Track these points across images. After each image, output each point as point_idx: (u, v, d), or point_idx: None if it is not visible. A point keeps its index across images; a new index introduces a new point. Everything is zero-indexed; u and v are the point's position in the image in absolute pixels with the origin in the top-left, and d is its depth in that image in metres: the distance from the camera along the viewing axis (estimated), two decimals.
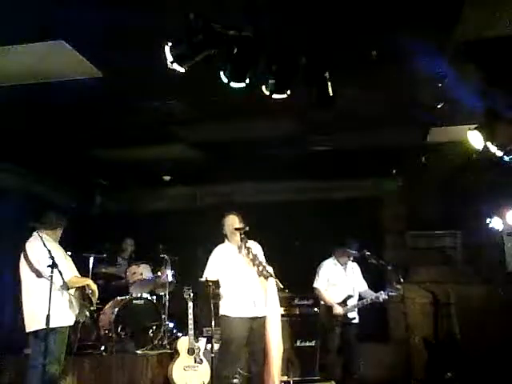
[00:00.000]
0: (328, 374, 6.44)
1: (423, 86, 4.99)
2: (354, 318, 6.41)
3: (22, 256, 4.88)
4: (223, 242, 5.46)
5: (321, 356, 6.66)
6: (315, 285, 6.57)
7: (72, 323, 4.91)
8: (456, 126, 5.91)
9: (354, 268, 6.61)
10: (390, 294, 6.33)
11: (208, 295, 5.12)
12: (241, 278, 5.20)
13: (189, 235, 8.00)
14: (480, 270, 7.87)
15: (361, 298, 6.51)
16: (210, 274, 5.27)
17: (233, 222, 5.34)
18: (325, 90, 4.38)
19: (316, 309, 6.71)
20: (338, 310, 6.35)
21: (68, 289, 4.73)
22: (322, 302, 6.60)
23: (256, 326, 5.13)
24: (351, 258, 6.54)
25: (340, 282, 6.52)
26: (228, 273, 5.21)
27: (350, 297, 6.43)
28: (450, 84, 4.71)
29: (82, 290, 4.89)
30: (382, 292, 6.32)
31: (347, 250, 6.46)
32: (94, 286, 4.99)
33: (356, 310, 6.45)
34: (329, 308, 6.44)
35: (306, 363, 6.77)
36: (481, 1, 3.88)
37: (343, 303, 6.41)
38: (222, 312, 5.22)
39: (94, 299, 4.98)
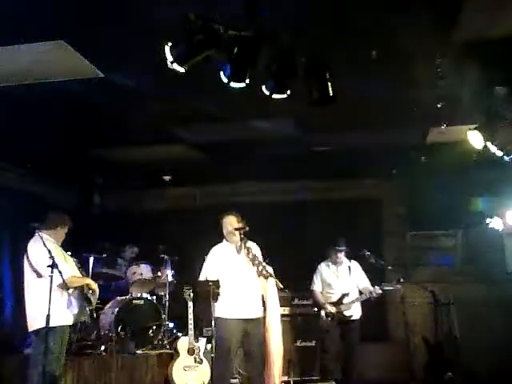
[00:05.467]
0: (327, 374, 6.46)
1: (423, 86, 4.99)
2: (351, 316, 6.43)
3: (25, 256, 4.89)
4: (221, 241, 5.42)
5: (321, 356, 6.68)
6: (312, 287, 6.74)
7: (71, 323, 4.91)
8: (456, 126, 5.91)
9: (352, 266, 6.64)
10: (384, 288, 6.42)
11: (208, 295, 5.08)
12: (237, 279, 5.15)
13: (189, 235, 8.00)
14: (480, 270, 7.87)
15: (360, 294, 6.55)
16: (207, 274, 5.22)
17: (232, 222, 5.31)
18: (325, 89, 4.38)
19: (316, 309, 6.75)
20: (330, 308, 6.44)
21: (68, 289, 4.73)
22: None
23: (251, 327, 5.09)
24: (342, 256, 6.57)
25: (334, 282, 6.61)
26: (224, 273, 5.14)
27: (344, 295, 6.46)
28: (450, 84, 4.71)
29: (81, 289, 4.89)
30: (376, 287, 6.39)
31: (335, 248, 6.53)
32: (95, 286, 4.98)
33: (354, 307, 6.45)
34: (322, 309, 6.52)
35: (306, 363, 6.78)
36: (481, 1, 3.88)
37: (338, 302, 6.45)
38: (216, 313, 5.14)
39: (94, 299, 4.97)
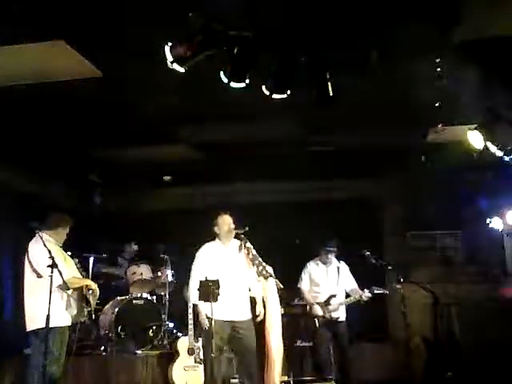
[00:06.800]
0: (321, 374, 6.44)
1: (423, 86, 4.99)
2: (339, 318, 6.39)
3: (25, 256, 4.88)
4: (213, 239, 5.36)
5: (313, 356, 6.68)
6: (299, 285, 6.64)
7: (70, 323, 4.91)
8: (456, 126, 5.91)
9: (340, 267, 6.58)
10: (374, 291, 6.38)
11: (207, 295, 5.04)
12: (226, 279, 4.95)
13: (189, 235, 7.99)
14: (480, 269, 7.87)
15: (348, 296, 6.52)
16: (199, 273, 5.10)
17: (229, 221, 5.25)
18: (325, 89, 4.39)
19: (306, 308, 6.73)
20: (317, 310, 6.39)
21: (68, 289, 4.73)
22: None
23: (239, 329, 5.04)
24: (332, 256, 6.52)
25: (322, 282, 6.54)
26: (212, 272, 4.97)
27: (332, 296, 6.41)
28: (450, 84, 4.71)
29: (80, 290, 4.89)
30: (365, 290, 6.36)
31: (326, 248, 6.48)
32: (95, 286, 4.97)
33: (341, 308, 6.43)
34: (310, 309, 6.48)
35: (306, 363, 6.78)
36: (480, 1, 3.89)
37: (326, 303, 6.41)
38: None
39: (94, 299, 4.97)
